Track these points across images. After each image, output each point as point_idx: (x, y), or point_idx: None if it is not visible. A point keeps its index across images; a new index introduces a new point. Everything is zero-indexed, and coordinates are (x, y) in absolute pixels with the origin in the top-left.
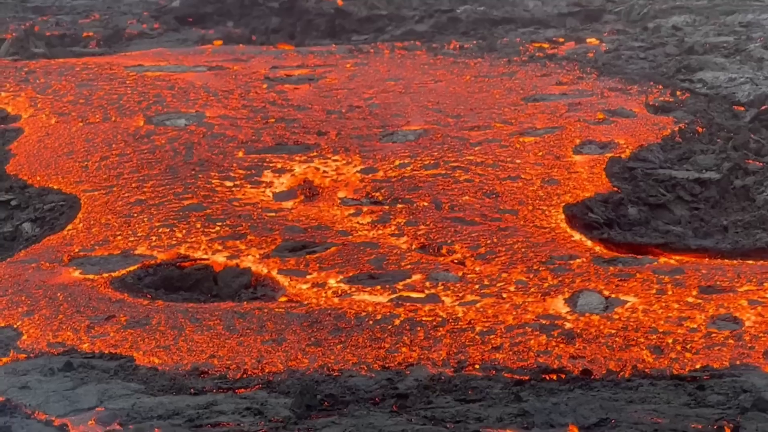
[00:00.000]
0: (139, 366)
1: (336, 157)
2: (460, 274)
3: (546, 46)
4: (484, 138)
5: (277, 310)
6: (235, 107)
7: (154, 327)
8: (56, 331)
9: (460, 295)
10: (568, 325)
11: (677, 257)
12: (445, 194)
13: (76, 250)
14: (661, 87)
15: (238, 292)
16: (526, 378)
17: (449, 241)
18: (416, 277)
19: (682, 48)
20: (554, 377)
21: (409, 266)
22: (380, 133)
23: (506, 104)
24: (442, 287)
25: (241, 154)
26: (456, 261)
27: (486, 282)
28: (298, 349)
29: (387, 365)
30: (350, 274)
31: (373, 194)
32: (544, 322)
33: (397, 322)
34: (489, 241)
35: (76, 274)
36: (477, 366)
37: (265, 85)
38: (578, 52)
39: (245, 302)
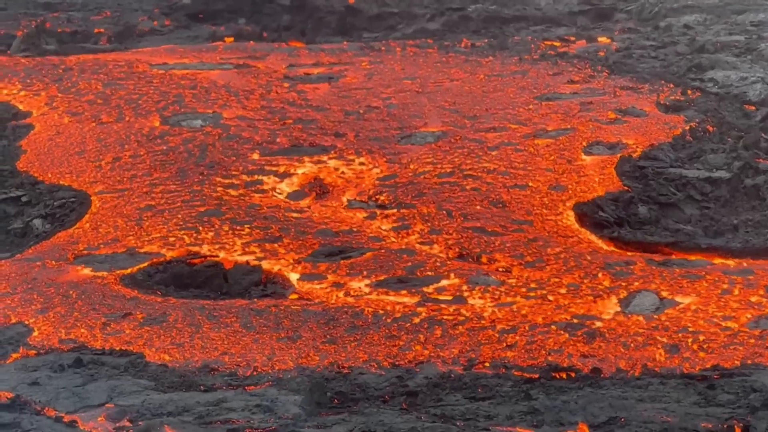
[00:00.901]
0: (149, 362)
1: (355, 159)
2: (502, 279)
3: (557, 44)
4: (500, 141)
5: (293, 307)
6: (254, 108)
7: (171, 324)
8: (71, 329)
9: (498, 297)
10: (598, 324)
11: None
12: (450, 201)
13: (81, 248)
14: (672, 86)
15: (248, 290)
16: (536, 376)
17: (488, 251)
18: (453, 281)
19: (693, 47)
20: (564, 376)
21: (447, 272)
22: (398, 135)
23: (520, 104)
24: (480, 290)
25: (255, 156)
26: (502, 269)
27: (533, 285)
28: (312, 347)
29: (397, 363)
30: (381, 278)
31: (376, 197)
32: (576, 321)
33: (416, 320)
34: (531, 251)
35: (86, 271)
36: (487, 364)
37: (286, 85)
38: (589, 50)
39: (256, 299)
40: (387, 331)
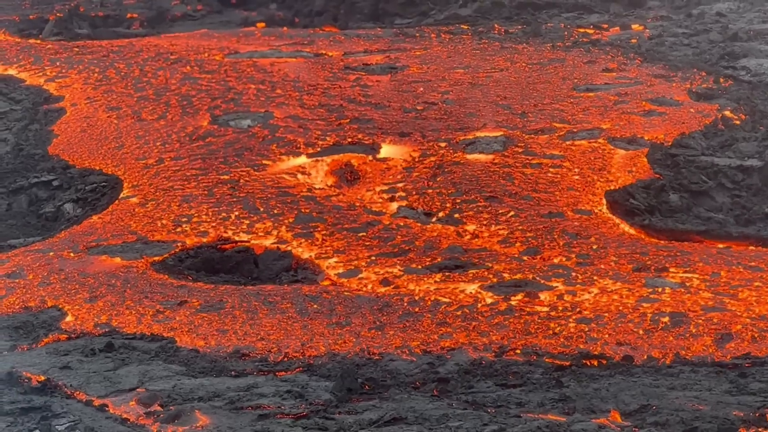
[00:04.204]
0: (180, 348)
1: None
2: (687, 283)
3: (590, 31)
4: (544, 150)
5: (346, 293)
6: (312, 105)
7: (228, 311)
8: (123, 317)
9: (644, 295)
10: (710, 315)
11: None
12: (490, 223)
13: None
14: (704, 74)
15: (278, 275)
16: (567, 363)
17: (679, 263)
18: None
19: (726, 35)
20: (595, 363)
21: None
22: (462, 142)
23: (563, 97)
24: (636, 289)
25: (300, 159)
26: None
27: (736, 284)
28: (353, 333)
29: (429, 349)
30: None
31: (420, 205)
32: (686, 312)
33: (482, 308)
34: (740, 259)
35: (118, 259)
36: (518, 351)
37: (351, 77)
38: (622, 38)
39: (293, 285)
40: (442, 317)
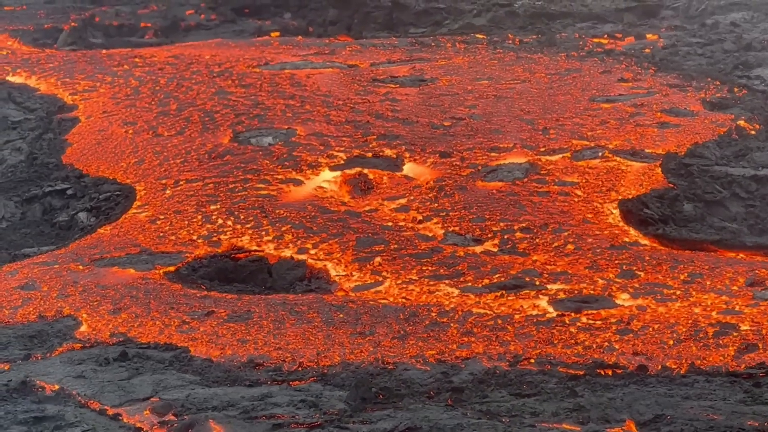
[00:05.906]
0: (194, 357)
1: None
2: None
3: (604, 41)
4: (555, 176)
5: (371, 302)
6: (338, 122)
7: (255, 321)
8: (146, 327)
9: (733, 306)
10: (744, 328)
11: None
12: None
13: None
14: (718, 83)
15: (292, 285)
16: (581, 373)
17: None
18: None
19: (740, 44)
20: (609, 372)
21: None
22: (484, 169)
23: (582, 110)
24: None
25: (314, 179)
26: None
27: None
28: (372, 342)
29: (444, 359)
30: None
31: (468, 231)
32: (757, 323)
33: (517, 318)
34: None
35: (131, 271)
36: (532, 360)
37: (382, 90)
38: (636, 47)
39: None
40: (470, 327)
